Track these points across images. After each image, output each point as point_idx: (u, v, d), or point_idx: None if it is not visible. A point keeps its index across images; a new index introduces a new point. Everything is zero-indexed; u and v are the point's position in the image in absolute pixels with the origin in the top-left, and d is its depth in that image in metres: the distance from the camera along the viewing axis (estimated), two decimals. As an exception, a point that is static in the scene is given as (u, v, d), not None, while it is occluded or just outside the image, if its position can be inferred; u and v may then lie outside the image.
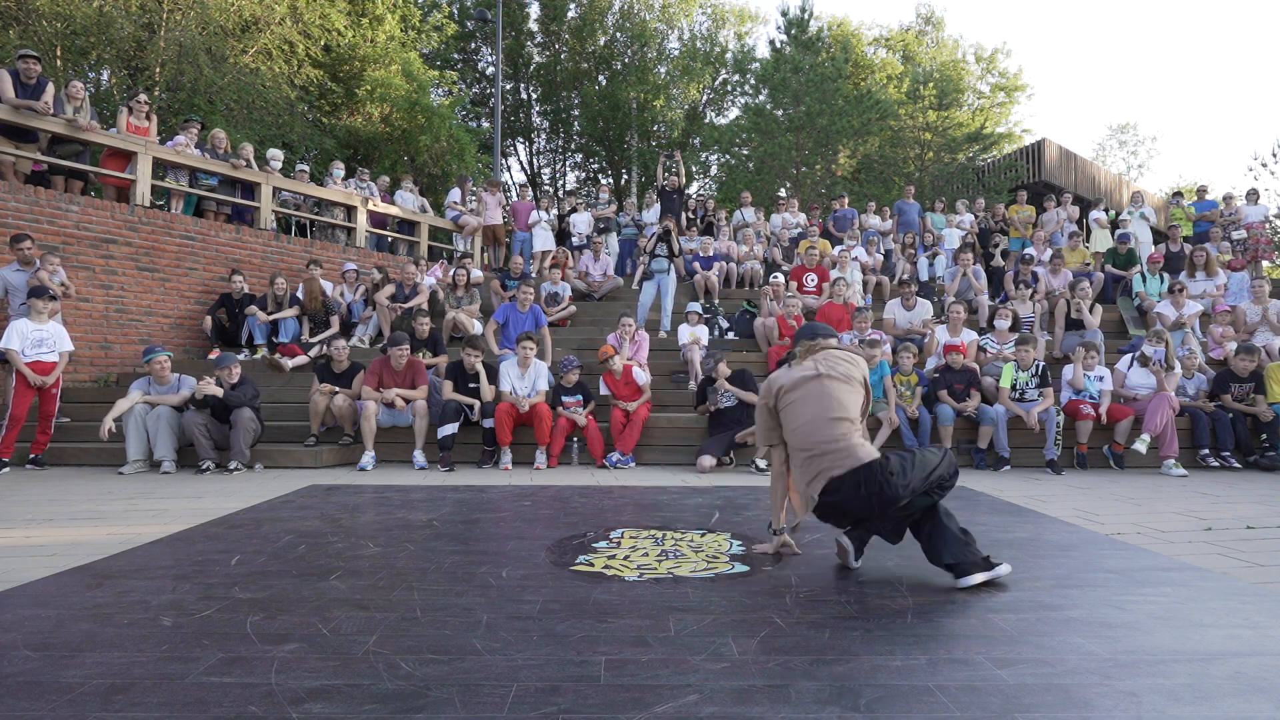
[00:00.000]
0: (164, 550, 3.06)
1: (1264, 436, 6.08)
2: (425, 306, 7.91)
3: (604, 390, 6.51)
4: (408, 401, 6.01)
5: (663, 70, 25.23)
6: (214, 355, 7.62)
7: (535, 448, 6.01)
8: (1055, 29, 68.95)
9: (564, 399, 6.24)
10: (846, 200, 12.01)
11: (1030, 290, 7.83)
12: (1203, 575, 2.74)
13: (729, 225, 11.48)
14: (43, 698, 1.64)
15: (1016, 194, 12.38)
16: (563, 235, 11.23)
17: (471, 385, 6.14)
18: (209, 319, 7.88)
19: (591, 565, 2.86)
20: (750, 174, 20.70)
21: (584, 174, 28.19)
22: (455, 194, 11.24)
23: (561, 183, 27.94)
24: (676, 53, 25.50)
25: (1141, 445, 5.82)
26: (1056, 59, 67.91)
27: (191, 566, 2.79)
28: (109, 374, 7.38)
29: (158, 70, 14.12)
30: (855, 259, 9.68)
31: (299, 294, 8.20)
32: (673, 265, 8.44)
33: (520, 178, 27.78)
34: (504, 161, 25.73)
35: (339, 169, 10.44)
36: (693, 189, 24.81)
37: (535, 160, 27.86)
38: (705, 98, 26.54)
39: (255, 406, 5.84)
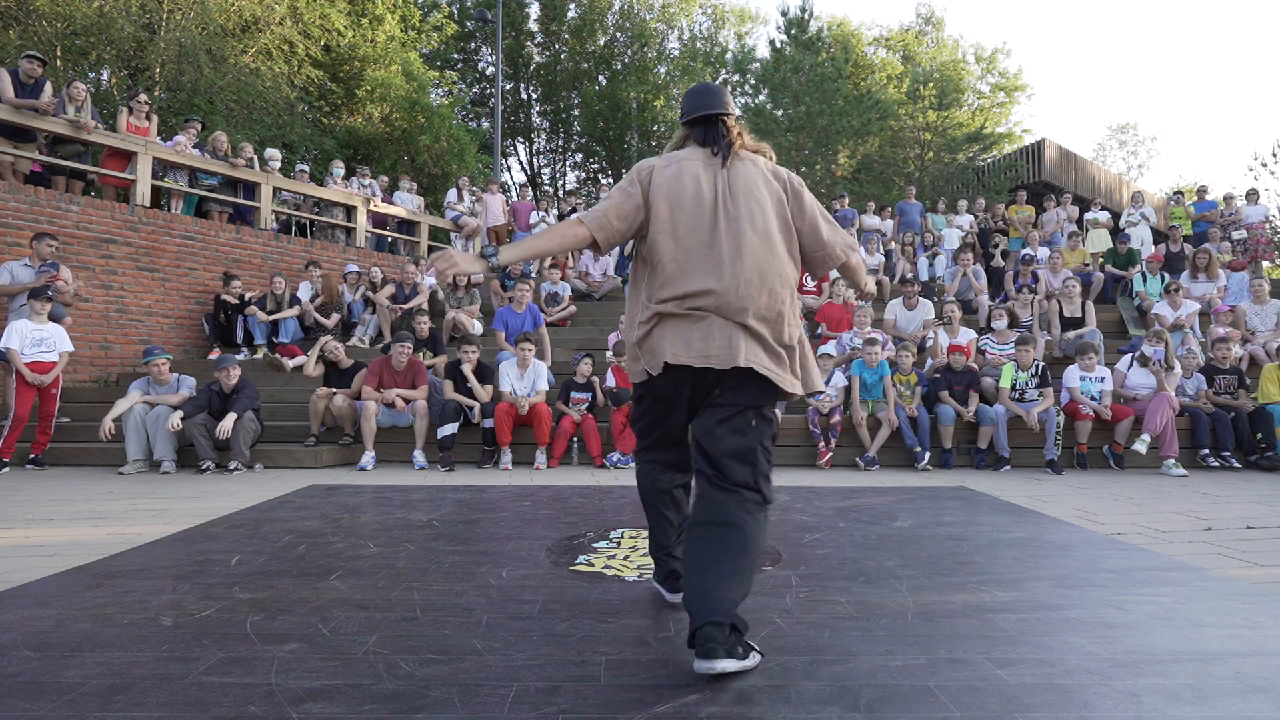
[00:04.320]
0: (164, 550, 3.06)
1: (1259, 436, 6.07)
2: (425, 306, 7.91)
3: (611, 382, 6.41)
4: (408, 401, 6.01)
5: (663, 70, 25.22)
6: (214, 356, 7.63)
7: (535, 448, 6.01)
8: (1055, 29, 68.97)
9: (574, 394, 6.24)
10: (847, 200, 12.01)
11: (1033, 296, 7.83)
12: (1203, 575, 2.74)
13: None
14: (43, 698, 1.64)
15: (1016, 194, 12.38)
16: (563, 235, 11.20)
17: (469, 385, 6.14)
18: (205, 319, 7.90)
19: (591, 565, 2.86)
20: (750, 174, 20.66)
21: (584, 174, 28.18)
22: (453, 195, 11.24)
23: (561, 183, 27.94)
24: (676, 53, 25.49)
25: (1141, 445, 5.82)
26: (1056, 59, 67.95)
27: (191, 566, 2.79)
28: (109, 374, 7.38)
29: (158, 70, 14.12)
30: None
31: (299, 294, 8.21)
32: None
33: (520, 178, 27.82)
34: (504, 161, 25.74)
35: (339, 169, 10.45)
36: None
37: (535, 160, 27.86)
38: (705, 98, 26.48)
39: (255, 407, 5.84)
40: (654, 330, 2.01)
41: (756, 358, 1.93)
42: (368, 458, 5.82)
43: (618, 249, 11.00)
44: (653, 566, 2.82)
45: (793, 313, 2.02)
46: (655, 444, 2.22)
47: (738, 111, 2.10)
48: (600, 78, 25.17)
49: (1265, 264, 10.71)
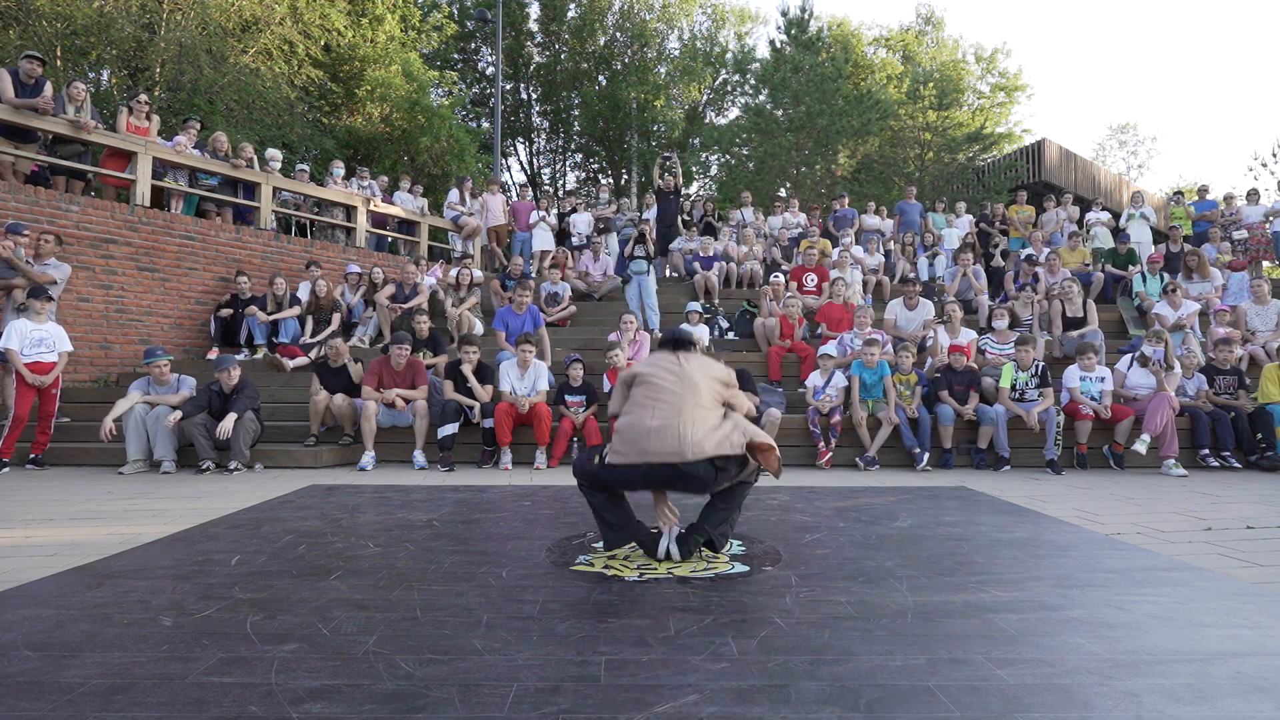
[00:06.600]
0: (164, 550, 3.06)
1: (1259, 436, 6.07)
2: (425, 306, 7.92)
3: (607, 387, 6.48)
4: (408, 401, 6.01)
5: (663, 70, 25.22)
6: (213, 355, 7.62)
7: (535, 448, 6.01)
8: (1055, 29, 69.00)
9: (568, 398, 6.24)
10: (847, 200, 12.02)
11: (1034, 296, 7.82)
12: (1203, 575, 2.74)
13: (733, 226, 11.48)
14: (43, 698, 1.64)
15: (1016, 194, 12.38)
16: (563, 235, 11.23)
17: (469, 385, 6.14)
18: (214, 319, 7.92)
19: (591, 565, 2.86)
20: (750, 174, 20.70)
21: (584, 174, 28.19)
22: (454, 195, 11.25)
23: (561, 183, 27.95)
24: (676, 53, 25.49)
25: (1141, 445, 5.82)
26: (1056, 59, 67.94)
27: (191, 566, 2.79)
28: (109, 374, 7.37)
29: (158, 70, 14.11)
30: (855, 261, 9.67)
31: (299, 294, 8.21)
32: (651, 266, 8.55)
33: (520, 178, 27.82)
34: (504, 161, 25.73)
35: (339, 169, 10.45)
36: (693, 189, 24.82)
37: (535, 160, 27.87)
38: (705, 98, 26.54)
39: (255, 407, 5.84)
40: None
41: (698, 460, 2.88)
42: (368, 458, 5.81)
43: (617, 250, 11.02)
44: (653, 566, 2.83)
45: (722, 424, 2.89)
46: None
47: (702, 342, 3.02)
48: (600, 78, 25.17)
49: (1265, 264, 10.71)
